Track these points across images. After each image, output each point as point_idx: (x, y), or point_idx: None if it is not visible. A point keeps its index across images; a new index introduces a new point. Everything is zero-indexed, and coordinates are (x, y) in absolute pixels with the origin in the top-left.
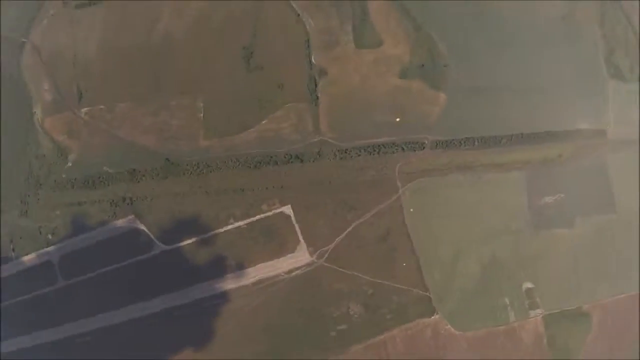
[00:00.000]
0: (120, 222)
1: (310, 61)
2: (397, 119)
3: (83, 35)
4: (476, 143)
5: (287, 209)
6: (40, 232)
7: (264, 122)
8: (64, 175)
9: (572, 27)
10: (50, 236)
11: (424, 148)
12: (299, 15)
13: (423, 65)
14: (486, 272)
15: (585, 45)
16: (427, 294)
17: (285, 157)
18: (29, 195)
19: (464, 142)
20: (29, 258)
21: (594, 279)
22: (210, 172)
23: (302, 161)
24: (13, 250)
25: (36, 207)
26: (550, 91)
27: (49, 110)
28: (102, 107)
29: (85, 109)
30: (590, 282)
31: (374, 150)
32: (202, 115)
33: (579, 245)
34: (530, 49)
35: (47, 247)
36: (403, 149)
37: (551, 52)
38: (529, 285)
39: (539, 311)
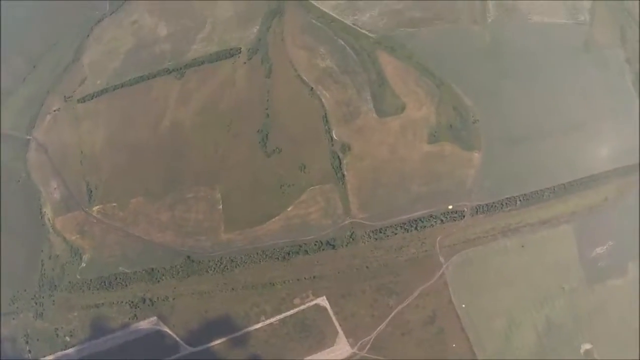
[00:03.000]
0: (142, 324)
1: (331, 137)
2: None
3: (88, 130)
4: (518, 202)
5: (322, 301)
6: (57, 335)
7: (289, 209)
8: (78, 276)
9: (595, 53)
10: (68, 338)
11: (464, 216)
12: (312, 89)
13: (451, 126)
14: (542, 339)
15: (611, 73)
16: None
17: (315, 245)
18: (43, 297)
19: (506, 203)
20: None
21: None
22: (235, 267)
23: (334, 247)
24: (29, 352)
25: (52, 308)
26: (585, 130)
27: (59, 210)
28: (114, 204)
29: (97, 207)
30: None
31: (411, 226)
32: (221, 207)
33: (633, 292)
34: (557, 84)
35: (65, 349)
36: (442, 220)
37: (579, 85)
38: (587, 346)
39: None
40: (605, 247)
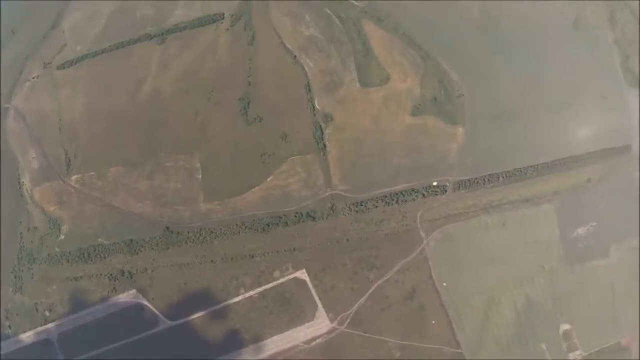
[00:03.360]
0: (121, 297)
1: (314, 106)
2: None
3: (67, 97)
4: (501, 179)
5: (302, 274)
6: (37, 309)
7: (269, 179)
8: (57, 249)
9: (584, 33)
10: (47, 313)
11: (445, 191)
12: (295, 57)
13: (436, 99)
14: (521, 318)
15: (600, 53)
16: (459, 350)
17: (295, 217)
18: (22, 270)
19: (488, 179)
20: (26, 336)
21: (632, 310)
22: (215, 238)
23: (314, 219)
24: (9, 327)
25: (31, 282)
26: (571, 110)
27: (37, 180)
28: (92, 173)
29: (75, 176)
30: (628, 314)
31: (392, 200)
32: (200, 176)
33: (615, 275)
34: (545, 62)
35: (45, 324)
36: (424, 194)
37: (567, 64)
38: (566, 326)
39: (577, 353)
40: (586, 228)
